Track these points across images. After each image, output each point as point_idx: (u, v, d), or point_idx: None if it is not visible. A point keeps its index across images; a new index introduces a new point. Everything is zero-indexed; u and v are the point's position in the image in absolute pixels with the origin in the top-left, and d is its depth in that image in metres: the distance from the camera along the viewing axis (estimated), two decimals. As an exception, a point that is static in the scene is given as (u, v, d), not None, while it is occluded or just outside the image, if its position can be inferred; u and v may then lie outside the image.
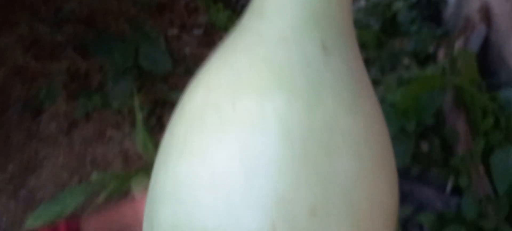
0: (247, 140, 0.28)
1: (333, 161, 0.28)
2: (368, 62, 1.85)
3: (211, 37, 2.23)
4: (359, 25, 1.93)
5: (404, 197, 1.39)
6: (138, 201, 0.51)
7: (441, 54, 1.80)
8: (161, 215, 0.31)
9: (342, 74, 0.30)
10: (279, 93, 0.28)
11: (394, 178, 0.33)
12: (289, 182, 0.27)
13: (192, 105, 0.31)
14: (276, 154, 0.27)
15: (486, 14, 1.71)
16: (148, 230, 0.34)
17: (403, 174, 1.47)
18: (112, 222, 0.48)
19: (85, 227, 0.47)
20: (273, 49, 0.30)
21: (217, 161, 0.28)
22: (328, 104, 0.29)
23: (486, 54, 1.68)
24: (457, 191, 1.37)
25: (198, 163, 0.29)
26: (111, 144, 1.96)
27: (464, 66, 1.40)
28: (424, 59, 1.84)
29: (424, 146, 1.49)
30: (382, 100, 1.52)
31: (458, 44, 1.65)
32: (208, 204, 0.28)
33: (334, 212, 0.28)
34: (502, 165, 1.24)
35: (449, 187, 1.39)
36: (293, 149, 0.27)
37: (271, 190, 0.27)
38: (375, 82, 1.76)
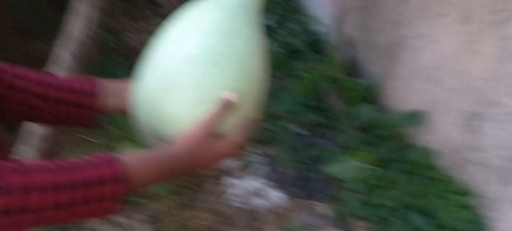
0: (204, 23, 0.67)
1: (236, 41, 0.67)
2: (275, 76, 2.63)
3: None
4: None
5: (311, 145, 2.11)
6: None
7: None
8: (155, 55, 0.68)
9: (249, 17, 0.71)
10: (216, 11, 0.68)
11: (264, 69, 0.71)
12: (213, 42, 0.65)
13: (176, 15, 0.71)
14: (211, 30, 0.66)
15: (351, 42, 2.63)
16: (141, 70, 0.70)
17: (309, 131, 2.20)
18: (112, 84, 0.77)
19: (99, 84, 0.75)
20: (222, 0, 0.70)
21: (190, 29, 0.67)
22: (238, 21, 0.69)
23: (350, 64, 2.57)
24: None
25: (181, 30, 0.67)
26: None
27: (331, 59, 2.23)
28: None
29: (312, 117, 2.25)
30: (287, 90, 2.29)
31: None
32: (181, 40, 0.67)
33: (231, 58, 0.65)
34: (362, 113, 2.04)
35: (334, 138, 2.15)
36: (221, 30, 0.67)
37: (205, 42, 0.65)
38: (284, 88, 2.53)
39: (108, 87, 0.75)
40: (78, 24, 1.15)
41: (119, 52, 2.71)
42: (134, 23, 3.30)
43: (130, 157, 0.60)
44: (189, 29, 0.66)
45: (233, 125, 0.67)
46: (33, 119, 0.75)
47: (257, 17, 0.73)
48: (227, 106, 0.64)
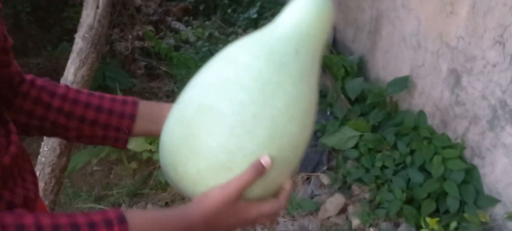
0: (240, 71, 0.57)
1: (273, 99, 0.55)
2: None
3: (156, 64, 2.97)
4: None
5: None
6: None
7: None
8: (186, 95, 0.61)
9: (299, 66, 0.58)
10: (262, 59, 0.57)
11: (304, 133, 0.59)
12: (247, 99, 0.55)
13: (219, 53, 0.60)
14: (248, 83, 0.56)
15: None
16: (178, 102, 0.61)
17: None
18: (154, 108, 0.71)
19: (141, 108, 0.70)
20: (271, 40, 0.59)
21: (224, 74, 0.58)
22: (282, 73, 0.56)
23: (335, 44, 2.69)
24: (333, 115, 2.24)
25: (216, 73, 0.58)
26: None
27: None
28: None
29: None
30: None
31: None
32: (212, 86, 0.58)
33: (262, 122, 0.55)
34: (351, 86, 2.15)
35: (328, 112, 2.26)
36: (257, 84, 0.55)
37: (238, 97, 0.55)
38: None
39: (147, 111, 0.71)
40: (87, 10, 1.24)
41: (111, 57, 2.78)
42: (121, 31, 3.37)
43: (137, 217, 0.53)
44: (225, 76, 0.57)
45: (260, 192, 0.59)
46: (67, 138, 0.70)
47: (312, 63, 0.60)
48: (257, 173, 0.56)
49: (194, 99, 0.58)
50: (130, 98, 0.71)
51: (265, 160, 0.56)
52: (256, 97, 0.55)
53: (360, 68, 2.35)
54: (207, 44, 3.25)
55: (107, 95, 0.71)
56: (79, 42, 1.21)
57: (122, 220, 0.51)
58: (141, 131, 0.70)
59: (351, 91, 2.14)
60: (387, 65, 2.24)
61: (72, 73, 1.24)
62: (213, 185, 0.57)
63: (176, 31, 3.58)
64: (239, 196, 0.57)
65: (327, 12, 0.61)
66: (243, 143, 0.55)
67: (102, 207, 1.91)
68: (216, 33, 3.47)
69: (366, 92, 2.13)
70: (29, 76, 0.68)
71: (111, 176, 2.21)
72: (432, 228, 1.65)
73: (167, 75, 2.95)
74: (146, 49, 3.16)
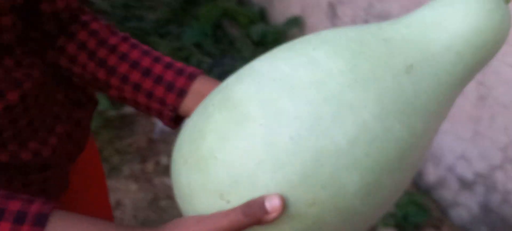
0: (300, 67, 0.38)
1: (333, 125, 0.35)
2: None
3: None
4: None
5: (219, 66, 2.51)
6: None
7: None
8: (228, 79, 0.44)
9: (404, 93, 0.35)
10: (342, 61, 0.37)
11: (372, 198, 0.37)
12: (295, 108, 0.36)
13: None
14: (305, 87, 0.37)
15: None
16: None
17: (215, 57, 2.60)
18: (210, 85, 0.57)
19: (197, 83, 0.58)
20: (372, 39, 0.37)
21: (277, 65, 0.40)
22: (366, 92, 0.35)
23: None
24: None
25: (269, 60, 0.41)
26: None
27: None
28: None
29: (214, 45, 2.66)
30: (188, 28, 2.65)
31: None
32: (254, 76, 0.40)
33: (300, 153, 0.35)
34: (254, 30, 2.47)
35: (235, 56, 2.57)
36: (316, 93, 0.36)
37: (281, 102, 0.37)
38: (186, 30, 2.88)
39: (201, 87, 0.57)
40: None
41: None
42: None
43: (66, 224, 0.40)
44: (276, 68, 0.40)
45: None
46: (110, 96, 0.60)
47: (433, 98, 0.38)
48: (251, 217, 0.36)
49: (227, 88, 0.41)
50: (189, 69, 0.58)
51: (272, 203, 0.35)
52: (306, 113, 0.36)
53: (262, 16, 2.69)
54: (122, 12, 3.40)
55: (165, 59, 0.59)
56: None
57: (39, 222, 0.39)
58: (190, 110, 0.56)
59: (255, 35, 2.47)
60: (283, 10, 2.60)
61: None
62: (200, 211, 0.39)
63: (92, 4, 3.69)
64: None
65: (498, 24, 0.37)
66: (259, 171, 0.36)
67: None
68: (131, 2, 3.63)
69: (267, 34, 2.47)
70: (86, 17, 0.60)
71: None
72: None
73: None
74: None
